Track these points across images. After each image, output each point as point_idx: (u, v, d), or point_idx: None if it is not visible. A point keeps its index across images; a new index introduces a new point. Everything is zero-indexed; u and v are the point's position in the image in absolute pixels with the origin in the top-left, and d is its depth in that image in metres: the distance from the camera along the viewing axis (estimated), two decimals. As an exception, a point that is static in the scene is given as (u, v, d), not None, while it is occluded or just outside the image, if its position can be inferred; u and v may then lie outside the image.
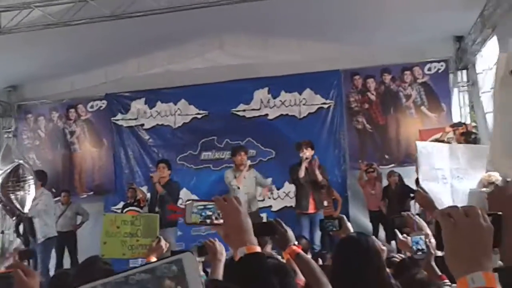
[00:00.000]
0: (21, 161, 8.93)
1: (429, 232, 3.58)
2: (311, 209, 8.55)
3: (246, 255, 1.68)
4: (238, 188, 8.48)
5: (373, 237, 3.45)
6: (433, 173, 5.37)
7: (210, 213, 1.81)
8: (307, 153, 8.50)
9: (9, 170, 8.76)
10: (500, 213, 1.37)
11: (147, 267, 1.00)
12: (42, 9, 7.38)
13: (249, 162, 8.77)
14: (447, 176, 5.33)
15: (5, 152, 9.34)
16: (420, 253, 3.56)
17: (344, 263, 2.81)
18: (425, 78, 10.31)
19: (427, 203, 3.98)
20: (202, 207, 1.82)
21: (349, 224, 3.52)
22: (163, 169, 8.76)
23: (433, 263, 3.34)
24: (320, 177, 8.55)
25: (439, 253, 3.18)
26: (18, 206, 8.92)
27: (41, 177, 9.51)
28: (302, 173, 8.50)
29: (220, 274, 3.20)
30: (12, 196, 8.77)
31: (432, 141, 8.66)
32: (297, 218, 8.50)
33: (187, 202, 1.85)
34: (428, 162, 5.54)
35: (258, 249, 1.72)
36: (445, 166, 5.38)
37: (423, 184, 5.26)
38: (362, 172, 10.03)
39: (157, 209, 8.58)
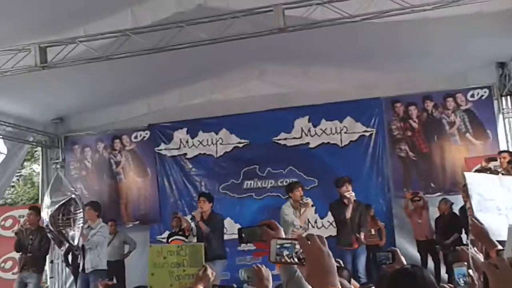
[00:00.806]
0: (73, 195, 9.15)
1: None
2: (354, 246, 8.45)
3: None
4: (301, 227, 8.48)
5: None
6: (487, 204, 5.24)
7: (292, 251, 1.79)
8: (350, 189, 8.44)
9: (61, 203, 8.98)
10: None
11: None
12: (86, 43, 7.58)
13: (310, 201, 8.76)
14: (501, 207, 5.20)
15: (55, 183, 9.61)
16: (463, 284, 3.46)
17: None
18: (469, 105, 10.15)
19: (481, 234, 3.88)
20: (284, 244, 1.80)
21: (402, 257, 3.46)
22: (204, 203, 8.86)
23: None
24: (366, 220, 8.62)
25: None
26: (69, 239, 9.13)
27: (96, 207, 9.74)
28: (348, 214, 8.41)
29: None
30: (63, 231, 8.98)
31: (476, 171, 8.52)
32: (338, 251, 8.38)
33: (272, 240, 1.82)
34: (479, 192, 5.42)
35: None
36: (497, 197, 5.25)
37: (477, 214, 5.14)
38: (407, 200, 9.89)
39: (204, 243, 8.68)
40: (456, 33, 8.38)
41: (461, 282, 3.41)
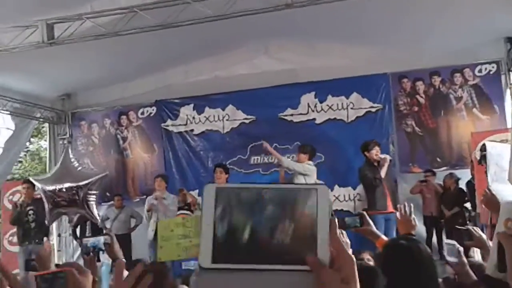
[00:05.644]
0: (107, 172, 9.57)
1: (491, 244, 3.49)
2: (390, 208, 8.34)
3: None
4: None
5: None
6: (503, 175, 5.26)
7: None
8: (379, 153, 8.46)
9: (94, 179, 9.19)
10: None
11: (280, 186, 1.02)
12: (93, 20, 7.58)
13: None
14: (517, 178, 5.20)
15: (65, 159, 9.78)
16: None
17: (396, 272, 2.67)
18: (476, 80, 10.12)
19: (493, 205, 3.88)
20: None
21: (370, 221, 3.46)
22: (221, 174, 8.90)
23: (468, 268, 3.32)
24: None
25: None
26: (96, 216, 9.36)
27: (166, 179, 10.21)
28: (383, 173, 8.37)
29: None
30: (93, 206, 9.20)
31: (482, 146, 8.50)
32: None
33: None
34: (497, 162, 5.43)
35: None
36: (514, 168, 5.25)
37: (492, 185, 5.15)
38: (418, 175, 9.99)
39: None
40: (464, 8, 8.32)
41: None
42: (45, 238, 9.50)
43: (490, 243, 3.49)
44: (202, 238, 0.98)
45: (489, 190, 4.27)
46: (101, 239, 3.82)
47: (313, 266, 0.95)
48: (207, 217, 0.98)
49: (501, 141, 8.23)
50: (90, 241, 3.90)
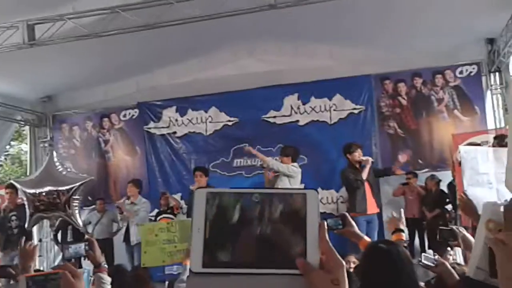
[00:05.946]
0: (92, 177, 9.61)
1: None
2: (371, 210, 8.47)
3: None
4: None
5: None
6: (478, 178, 5.27)
7: None
8: (361, 155, 8.55)
9: (79, 183, 9.11)
10: None
11: (270, 191, 1.03)
12: (74, 21, 7.52)
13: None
14: (493, 180, 5.21)
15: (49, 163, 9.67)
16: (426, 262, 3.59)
17: (374, 275, 2.70)
18: (457, 81, 10.20)
19: (469, 209, 3.89)
20: None
21: (352, 221, 3.40)
22: (200, 177, 8.85)
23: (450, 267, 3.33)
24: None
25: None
26: (79, 221, 9.27)
27: (138, 185, 10.04)
28: (365, 175, 8.46)
29: None
30: (76, 211, 9.11)
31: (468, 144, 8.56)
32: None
33: None
34: (472, 167, 5.44)
35: None
36: (490, 171, 5.26)
37: (468, 189, 5.17)
38: (401, 177, 9.98)
39: None
40: (445, 10, 8.39)
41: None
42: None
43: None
44: (192, 243, 0.98)
45: (465, 194, 4.29)
46: (82, 245, 3.78)
47: (303, 269, 0.97)
48: (197, 222, 1.00)
49: (482, 143, 8.32)
50: (71, 247, 3.85)
